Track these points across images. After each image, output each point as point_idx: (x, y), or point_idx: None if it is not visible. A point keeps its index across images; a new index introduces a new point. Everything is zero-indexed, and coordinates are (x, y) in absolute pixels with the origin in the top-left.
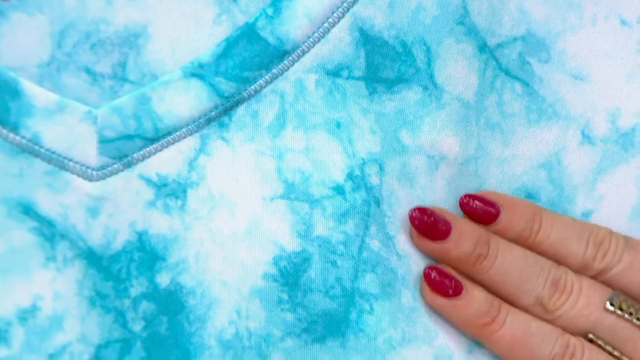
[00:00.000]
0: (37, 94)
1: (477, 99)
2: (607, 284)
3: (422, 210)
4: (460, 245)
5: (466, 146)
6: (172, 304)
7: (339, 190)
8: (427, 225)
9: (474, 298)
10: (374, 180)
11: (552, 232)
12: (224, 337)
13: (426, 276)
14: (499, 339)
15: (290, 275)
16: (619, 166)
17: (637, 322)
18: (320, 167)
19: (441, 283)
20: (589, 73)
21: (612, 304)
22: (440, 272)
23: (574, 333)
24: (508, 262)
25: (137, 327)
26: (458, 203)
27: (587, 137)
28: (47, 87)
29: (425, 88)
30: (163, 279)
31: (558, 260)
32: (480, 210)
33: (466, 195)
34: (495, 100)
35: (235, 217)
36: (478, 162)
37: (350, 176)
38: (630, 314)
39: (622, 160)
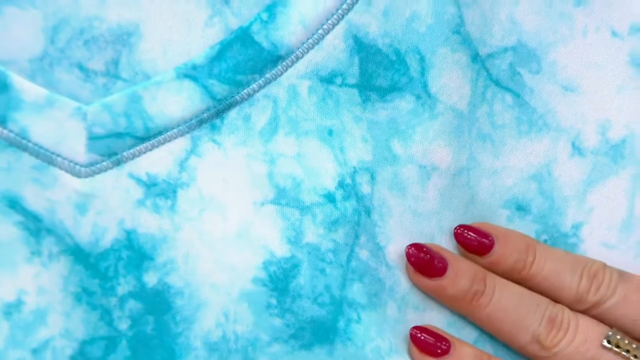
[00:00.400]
0: (26, 88)
1: (469, 109)
2: (601, 316)
3: (418, 247)
4: (456, 282)
5: (458, 157)
6: (159, 304)
7: (329, 197)
8: (423, 262)
9: (463, 354)
10: (365, 189)
11: (546, 265)
12: (210, 339)
13: (413, 337)
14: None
15: (279, 281)
16: (609, 178)
17: None
18: (311, 174)
19: (427, 344)
20: (580, 84)
21: (609, 342)
22: (427, 332)
23: None
24: (505, 299)
25: (123, 325)
26: (450, 214)
27: (577, 149)
28: (39, 82)
29: (418, 97)
30: (150, 279)
31: (552, 293)
32: (475, 241)
33: (460, 226)
34: (486, 111)
35: (225, 220)
36: (470, 173)
37: (341, 184)
38: (627, 351)
39: (612, 172)
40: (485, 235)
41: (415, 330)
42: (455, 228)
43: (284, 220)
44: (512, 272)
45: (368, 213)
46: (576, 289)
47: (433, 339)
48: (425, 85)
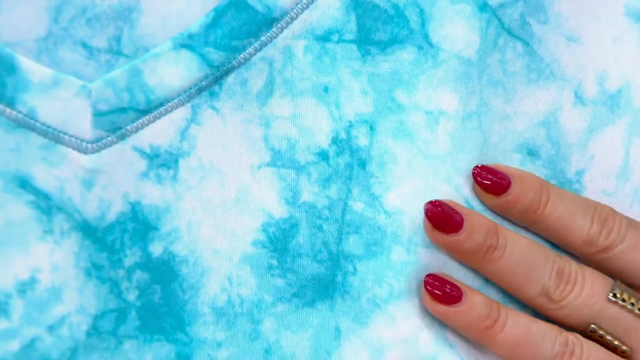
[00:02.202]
0: (32, 69)
1: (479, 57)
2: (608, 261)
3: (435, 204)
4: (472, 237)
5: (467, 102)
6: (165, 273)
7: (323, 155)
8: (441, 217)
9: (475, 303)
10: (361, 141)
11: (559, 206)
12: (216, 304)
13: (426, 284)
14: (501, 341)
15: (279, 242)
16: (607, 127)
17: (638, 312)
18: (306, 133)
19: (442, 290)
20: (581, 35)
21: (614, 295)
22: (440, 280)
23: (578, 323)
24: (516, 253)
25: (132, 296)
26: (464, 156)
27: (579, 98)
28: (45, 61)
29: (420, 47)
30: (156, 249)
31: (563, 234)
32: (492, 180)
33: (478, 167)
34: (498, 58)
35: (224, 186)
36: (481, 117)
37: (334, 140)
38: (632, 304)
39: (610, 122)
40: (502, 175)
41: (428, 277)
42: (474, 168)
43: (281, 181)
44: (527, 212)
45: (363, 165)
46: (587, 232)
47: (447, 287)
48: (426, 36)
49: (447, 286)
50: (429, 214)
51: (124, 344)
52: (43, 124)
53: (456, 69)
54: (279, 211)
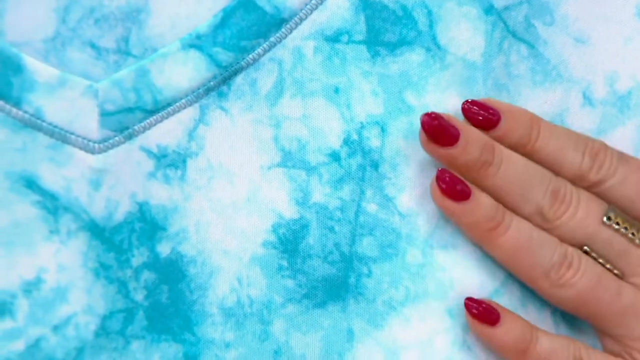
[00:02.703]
0: (39, 69)
1: (484, 60)
2: (600, 195)
3: (431, 115)
4: (467, 151)
5: None
6: (172, 273)
7: (334, 156)
8: (437, 129)
9: (481, 203)
10: (373, 142)
11: (550, 141)
12: (225, 305)
13: (438, 178)
14: (502, 244)
15: (289, 242)
16: (617, 128)
17: (632, 237)
18: (316, 134)
19: (452, 186)
20: (590, 36)
21: (608, 218)
22: (452, 176)
23: (572, 244)
24: (512, 170)
25: (139, 296)
26: None
27: (588, 99)
28: (53, 62)
29: (428, 49)
30: (164, 249)
31: (554, 169)
32: (482, 115)
33: (467, 101)
34: (502, 62)
35: (234, 186)
36: None
37: (346, 141)
38: (626, 228)
39: (620, 123)
40: (492, 110)
41: (441, 172)
42: (463, 103)
43: (291, 182)
44: (517, 146)
45: (375, 166)
46: (578, 166)
47: (457, 185)
48: (434, 38)
49: (458, 184)
50: (425, 126)
51: (131, 344)
52: (50, 124)
53: (461, 73)
54: (289, 212)
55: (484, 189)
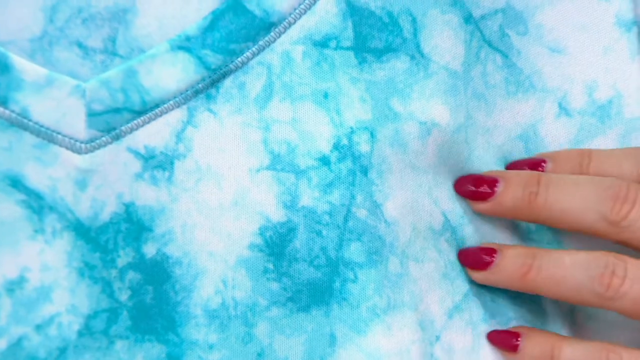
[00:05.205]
0: (26, 68)
1: (464, 69)
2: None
3: (463, 181)
4: (509, 194)
5: (456, 114)
6: (158, 273)
7: (324, 160)
8: (470, 194)
9: (507, 256)
10: (363, 148)
11: (605, 160)
12: (210, 307)
13: (460, 254)
14: (542, 284)
15: (275, 246)
16: (597, 137)
17: None
18: (306, 138)
19: (476, 257)
20: (567, 46)
21: None
22: (470, 250)
23: None
24: (560, 188)
25: (124, 296)
26: (445, 168)
27: (564, 109)
28: (39, 61)
29: (413, 57)
30: (149, 250)
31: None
32: (527, 164)
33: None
34: (480, 71)
35: (221, 189)
36: (468, 130)
37: (336, 146)
38: None
39: (600, 132)
40: (536, 160)
41: (460, 251)
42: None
43: (280, 185)
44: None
45: (365, 172)
46: (638, 173)
47: (480, 252)
48: (418, 46)
49: (480, 251)
50: (460, 191)
51: (115, 344)
52: (36, 123)
53: (445, 81)
54: (277, 215)
55: (544, 220)
